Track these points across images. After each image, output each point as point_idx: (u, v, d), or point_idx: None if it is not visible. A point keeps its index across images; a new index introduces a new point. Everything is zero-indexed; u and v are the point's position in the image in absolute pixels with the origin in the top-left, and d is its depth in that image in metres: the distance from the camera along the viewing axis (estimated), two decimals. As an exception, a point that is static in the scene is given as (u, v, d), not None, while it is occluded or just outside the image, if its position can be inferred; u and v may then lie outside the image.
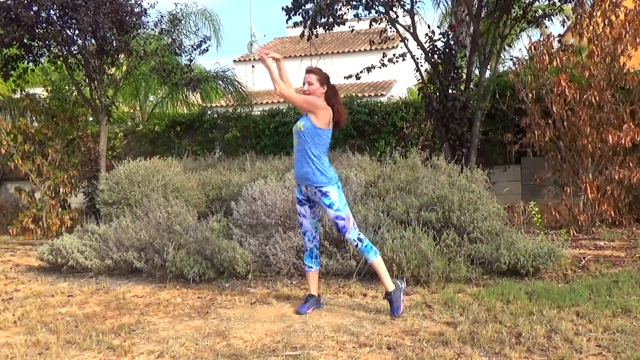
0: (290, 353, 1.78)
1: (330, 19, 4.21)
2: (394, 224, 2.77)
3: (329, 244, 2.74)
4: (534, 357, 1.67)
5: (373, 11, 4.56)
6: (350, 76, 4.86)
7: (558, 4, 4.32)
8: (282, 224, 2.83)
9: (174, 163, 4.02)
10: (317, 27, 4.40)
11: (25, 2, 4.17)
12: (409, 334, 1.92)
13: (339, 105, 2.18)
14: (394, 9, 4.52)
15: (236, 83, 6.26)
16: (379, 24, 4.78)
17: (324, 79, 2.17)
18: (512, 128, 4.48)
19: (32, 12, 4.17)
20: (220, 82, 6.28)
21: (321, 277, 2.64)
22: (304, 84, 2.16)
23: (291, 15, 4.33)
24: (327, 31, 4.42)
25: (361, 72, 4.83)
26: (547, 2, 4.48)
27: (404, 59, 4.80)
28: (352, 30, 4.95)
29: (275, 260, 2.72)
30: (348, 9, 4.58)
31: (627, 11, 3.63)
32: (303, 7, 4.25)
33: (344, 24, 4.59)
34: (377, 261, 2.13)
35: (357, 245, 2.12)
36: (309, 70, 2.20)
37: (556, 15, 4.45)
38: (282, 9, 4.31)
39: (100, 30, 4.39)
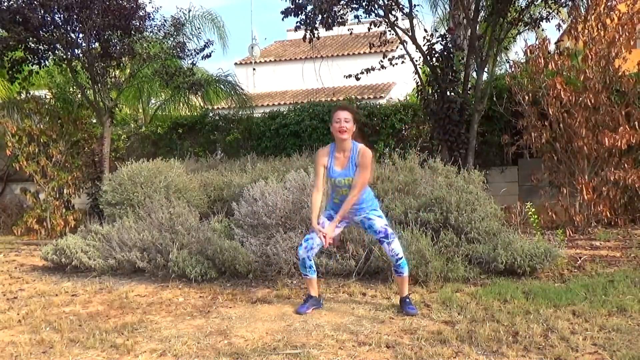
0: (290, 351, 1.80)
1: (330, 19, 4.24)
2: (393, 224, 2.79)
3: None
4: (530, 355, 1.69)
5: (373, 14, 4.62)
6: (349, 76, 4.87)
7: (554, 7, 4.39)
8: (283, 224, 2.86)
9: (176, 164, 4.03)
10: (317, 26, 4.44)
11: (32, 5, 4.21)
12: (408, 332, 1.95)
13: (362, 140, 2.20)
14: (393, 12, 4.57)
15: (237, 87, 6.30)
16: (378, 27, 4.84)
17: (356, 116, 2.17)
18: (509, 130, 4.51)
19: (38, 15, 4.21)
20: (222, 87, 6.33)
21: (321, 277, 2.67)
22: (338, 121, 2.11)
23: (289, 15, 4.36)
24: (327, 30, 4.46)
25: (361, 72, 4.87)
26: (543, 6, 4.54)
27: (402, 62, 4.86)
28: (351, 32, 5.00)
29: (276, 260, 2.75)
30: (348, 11, 4.64)
31: (621, 15, 3.69)
32: (303, 10, 4.29)
33: (344, 25, 4.64)
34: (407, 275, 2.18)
35: (401, 257, 2.13)
36: (345, 108, 2.16)
37: (552, 19, 4.51)
38: (281, 12, 4.37)
39: (105, 33, 4.44)
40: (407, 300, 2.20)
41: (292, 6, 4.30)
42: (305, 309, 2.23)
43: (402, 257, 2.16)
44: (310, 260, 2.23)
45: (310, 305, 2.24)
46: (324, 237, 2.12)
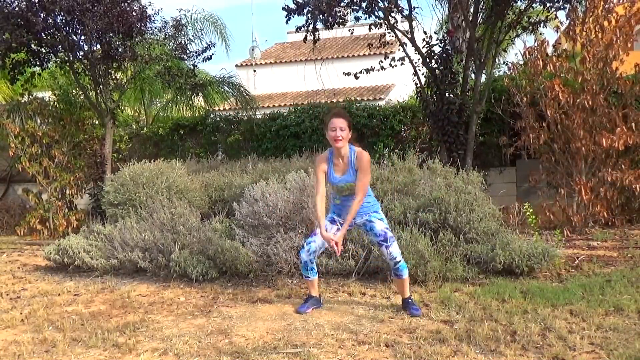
0: (291, 350, 1.81)
1: (330, 18, 4.26)
2: (392, 224, 2.81)
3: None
4: (528, 354, 1.70)
5: (372, 16, 4.65)
6: (349, 73, 4.88)
7: (552, 10, 4.43)
8: (283, 224, 2.88)
9: (177, 165, 4.05)
10: (317, 27, 4.45)
11: (35, 8, 4.23)
12: (407, 332, 1.96)
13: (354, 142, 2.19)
14: (393, 14, 4.60)
15: (241, 89, 6.34)
16: (378, 28, 4.87)
17: (351, 123, 2.17)
18: (507, 131, 4.54)
19: (40, 18, 4.23)
20: (226, 88, 6.36)
21: (321, 277, 2.69)
22: (334, 130, 2.11)
23: (292, 15, 4.39)
24: (327, 28, 4.48)
25: (360, 72, 4.88)
26: (541, 8, 4.58)
27: (402, 63, 4.89)
28: (352, 32, 5.03)
29: (276, 260, 2.77)
30: (348, 12, 4.68)
31: (618, 17, 3.72)
32: (306, 8, 4.30)
33: (344, 25, 4.66)
34: (407, 277, 2.19)
35: (400, 260, 2.14)
36: (340, 115, 2.15)
37: (550, 20, 4.55)
38: (283, 8, 4.36)
39: (106, 35, 4.46)
40: (410, 301, 2.20)
41: (294, 6, 4.33)
42: (305, 308, 2.24)
43: (400, 260, 2.16)
44: (313, 263, 2.24)
45: (310, 305, 2.26)
46: (336, 245, 2.10)
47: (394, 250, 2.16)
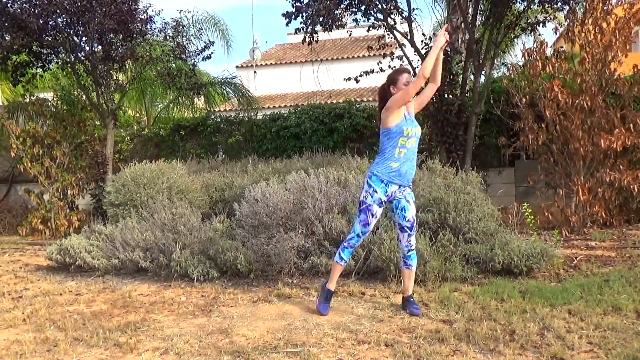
0: (291, 350, 1.82)
1: (330, 21, 4.30)
2: (392, 224, 2.81)
3: (328, 244, 2.80)
4: (527, 354, 1.70)
5: (372, 17, 4.68)
6: (349, 78, 4.93)
7: (551, 11, 4.45)
8: (284, 224, 2.89)
9: (178, 166, 4.08)
10: (317, 29, 4.49)
11: (32, 10, 4.25)
12: (406, 331, 1.97)
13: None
14: (392, 16, 4.63)
15: (243, 89, 6.37)
16: (377, 30, 4.90)
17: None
18: (506, 132, 4.57)
19: (40, 20, 4.26)
20: (228, 89, 6.39)
21: (322, 277, 2.71)
22: (407, 84, 2.07)
23: (292, 19, 4.42)
24: (327, 31, 4.51)
25: (360, 75, 4.92)
26: (539, 10, 4.60)
27: (401, 65, 4.91)
28: (350, 34, 5.06)
29: (276, 260, 2.78)
30: (347, 14, 4.71)
31: (617, 19, 3.73)
32: (304, 12, 4.34)
33: (343, 27, 4.70)
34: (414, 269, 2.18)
35: (414, 250, 2.14)
36: (407, 71, 2.14)
37: (549, 21, 4.57)
38: (282, 15, 4.41)
39: (106, 36, 4.49)
40: (412, 299, 2.19)
41: (293, 9, 4.36)
42: (327, 309, 2.18)
43: (414, 250, 2.17)
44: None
45: (329, 301, 2.21)
46: (445, 30, 2.04)
47: (414, 239, 2.16)
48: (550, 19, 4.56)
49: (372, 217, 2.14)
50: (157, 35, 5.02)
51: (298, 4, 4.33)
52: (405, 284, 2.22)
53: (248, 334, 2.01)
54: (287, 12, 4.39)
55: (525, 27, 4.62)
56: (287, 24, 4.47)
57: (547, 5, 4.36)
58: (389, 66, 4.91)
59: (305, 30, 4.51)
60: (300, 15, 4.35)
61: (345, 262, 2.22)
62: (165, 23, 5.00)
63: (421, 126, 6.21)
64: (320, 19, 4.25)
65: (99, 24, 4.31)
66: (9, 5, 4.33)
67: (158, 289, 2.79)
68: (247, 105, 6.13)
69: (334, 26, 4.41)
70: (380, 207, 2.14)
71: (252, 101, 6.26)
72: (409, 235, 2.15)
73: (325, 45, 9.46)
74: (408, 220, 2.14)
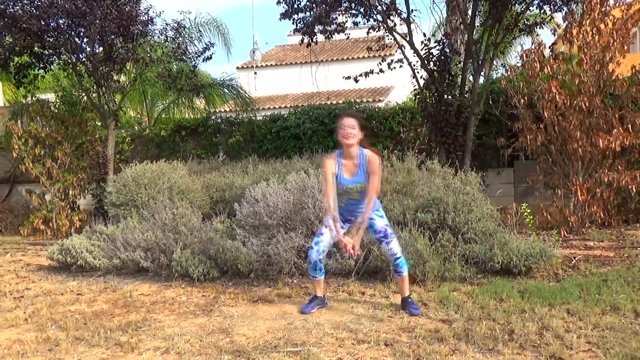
0: (291, 349, 1.83)
1: (330, 27, 4.33)
2: (391, 225, 2.80)
3: (328, 244, 2.83)
4: (526, 353, 1.71)
5: (372, 19, 4.70)
6: (348, 77, 4.94)
7: (549, 12, 4.47)
8: (284, 224, 2.90)
9: (179, 166, 4.10)
10: (316, 34, 4.52)
11: (35, 12, 4.28)
12: (406, 330, 1.98)
13: (368, 145, 2.20)
14: (392, 17, 4.65)
15: (241, 91, 6.40)
16: (377, 31, 4.92)
17: (362, 123, 2.18)
18: (505, 132, 4.59)
19: (41, 22, 4.27)
20: (226, 90, 6.42)
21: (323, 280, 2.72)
22: (344, 128, 2.14)
23: (287, 18, 4.44)
24: (327, 39, 4.56)
25: (359, 75, 4.93)
26: (538, 11, 4.63)
27: (401, 66, 4.93)
28: (348, 37, 5.08)
29: (277, 260, 2.79)
30: (347, 17, 4.73)
31: (615, 20, 3.75)
32: (300, 13, 4.36)
33: (344, 32, 4.72)
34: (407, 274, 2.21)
35: (400, 257, 2.17)
36: (351, 115, 2.18)
37: (547, 23, 4.60)
38: (280, 14, 4.40)
39: (108, 37, 4.51)
40: (410, 300, 2.21)
41: (290, 10, 4.39)
42: (310, 309, 2.24)
43: (400, 257, 2.19)
44: (322, 262, 2.24)
45: (315, 305, 2.26)
46: (353, 249, 2.11)
47: (394, 246, 2.19)
48: (546, 22, 4.58)
49: (325, 226, 2.21)
50: (158, 37, 5.04)
51: (295, 7, 4.36)
52: (401, 288, 2.26)
53: (248, 334, 2.02)
54: (285, 12, 4.41)
55: (523, 28, 4.64)
56: (279, 19, 4.45)
57: (545, 7, 4.38)
58: (389, 67, 4.94)
59: (304, 31, 4.54)
60: (297, 16, 4.37)
61: (314, 277, 2.27)
62: (166, 24, 5.02)
63: (420, 127, 6.16)
64: (319, 25, 4.27)
65: (99, 27, 4.32)
66: (9, 6, 4.35)
67: (159, 288, 2.81)
68: (245, 106, 6.15)
69: (333, 34, 4.44)
70: (335, 221, 2.17)
71: (249, 102, 6.28)
72: (387, 244, 2.18)
73: (325, 47, 9.50)
74: (379, 232, 2.19)
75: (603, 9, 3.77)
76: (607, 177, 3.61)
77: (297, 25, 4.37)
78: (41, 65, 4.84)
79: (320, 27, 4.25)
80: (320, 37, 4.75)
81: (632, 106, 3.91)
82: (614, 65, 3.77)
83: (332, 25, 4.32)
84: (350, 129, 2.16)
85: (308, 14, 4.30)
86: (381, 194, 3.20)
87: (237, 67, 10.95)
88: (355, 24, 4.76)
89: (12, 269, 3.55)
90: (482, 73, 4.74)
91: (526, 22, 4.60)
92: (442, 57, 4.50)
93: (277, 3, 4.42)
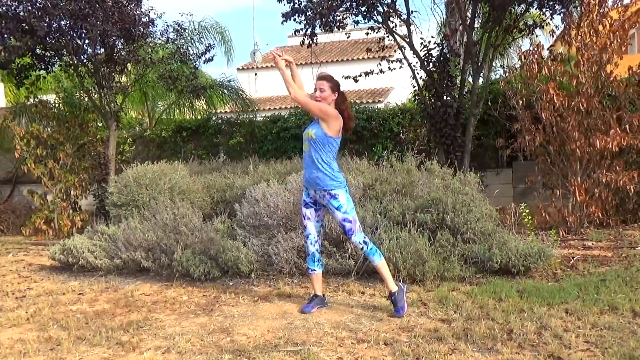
0: (291, 349, 1.84)
1: (330, 18, 4.32)
2: (391, 225, 2.87)
3: (328, 244, 2.83)
4: (524, 352, 1.72)
5: (372, 20, 4.71)
6: (348, 77, 4.94)
7: (548, 14, 4.50)
8: (284, 225, 2.93)
9: (180, 167, 4.11)
10: (316, 31, 4.52)
11: (38, 13, 4.29)
12: (405, 330, 1.99)
13: (349, 111, 2.20)
14: (392, 18, 4.67)
15: (240, 92, 6.41)
16: (377, 32, 4.94)
17: (335, 85, 2.17)
18: (503, 133, 4.60)
19: (45, 23, 4.29)
20: (225, 91, 6.45)
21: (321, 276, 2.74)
22: (315, 90, 2.16)
23: (289, 19, 4.44)
24: (327, 32, 4.55)
25: (359, 75, 4.94)
26: (537, 13, 4.66)
27: (400, 67, 4.95)
28: (348, 36, 5.10)
29: (277, 260, 2.81)
30: (347, 16, 4.75)
31: (613, 22, 3.76)
32: (303, 13, 4.38)
33: (344, 28, 4.72)
34: (381, 263, 2.16)
35: (362, 248, 2.15)
36: (321, 77, 2.20)
37: (542, 29, 4.62)
38: (282, 15, 4.42)
39: (109, 39, 4.53)
40: (394, 298, 2.13)
41: (291, 10, 4.41)
42: (310, 308, 2.24)
43: (363, 247, 2.14)
44: (319, 253, 2.24)
45: (315, 305, 2.26)
46: (279, 55, 2.12)
47: (356, 239, 2.15)
48: (543, 26, 4.60)
49: (305, 218, 2.25)
50: (159, 39, 5.07)
51: (295, 6, 4.36)
52: (383, 279, 2.20)
53: (249, 333, 2.04)
54: (286, 12, 4.42)
55: (522, 29, 4.67)
56: (282, 22, 4.47)
57: (544, 9, 4.41)
58: (389, 68, 4.96)
59: (304, 32, 4.56)
60: (298, 15, 4.39)
61: (313, 270, 2.28)
62: (167, 26, 5.05)
63: (420, 127, 6.20)
64: (320, 21, 4.28)
65: (101, 28, 4.34)
66: (13, 7, 4.37)
67: (160, 288, 2.82)
68: (244, 107, 6.17)
69: (334, 28, 4.45)
70: (307, 208, 2.24)
71: (248, 103, 6.29)
72: (350, 237, 2.17)
73: (325, 48, 9.51)
74: (340, 225, 2.20)
75: (601, 11, 3.80)
76: (605, 177, 3.63)
77: (298, 16, 4.34)
78: (42, 67, 4.87)
79: (320, 22, 4.24)
80: (321, 37, 4.76)
81: (629, 107, 3.92)
82: (611, 66, 3.79)
83: (333, 16, 4.29)
84: (320, 92, 2.18)
85: (309, 13, 4.31)
86: (381, 194, 3.23)
87: (238, 68, 10.98)
88: (356, 22, 4.75)
89: (14, 268, 3.56)
90: (481, 74, 4.75)
91: (526, 23, 4.62)
92: (442, 59, 4.52)
93: (278, 0, 4.44)
